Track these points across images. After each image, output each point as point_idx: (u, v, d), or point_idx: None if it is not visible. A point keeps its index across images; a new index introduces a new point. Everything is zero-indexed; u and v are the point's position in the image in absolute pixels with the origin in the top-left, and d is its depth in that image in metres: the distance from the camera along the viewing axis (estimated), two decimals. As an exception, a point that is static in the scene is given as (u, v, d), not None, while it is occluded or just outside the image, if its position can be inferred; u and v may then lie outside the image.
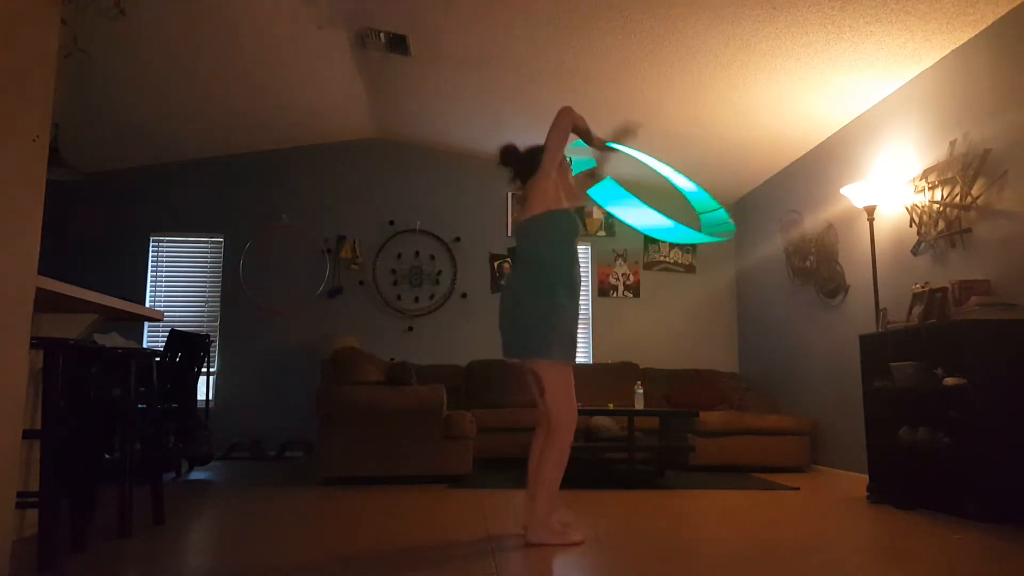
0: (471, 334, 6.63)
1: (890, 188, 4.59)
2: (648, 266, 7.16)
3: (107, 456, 3.16)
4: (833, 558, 2.60)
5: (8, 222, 2.14)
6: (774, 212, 6.44)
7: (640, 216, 3.48)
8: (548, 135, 2.91)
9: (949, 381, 3.55)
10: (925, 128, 4.38)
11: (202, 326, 6.64)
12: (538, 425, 2.96)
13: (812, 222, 5.76)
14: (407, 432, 4.56)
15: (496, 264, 6.91)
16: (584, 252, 7.11)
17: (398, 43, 4.94)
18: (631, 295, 7.11)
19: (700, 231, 3.48)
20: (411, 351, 6.61)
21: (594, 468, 5.14)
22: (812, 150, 5.80)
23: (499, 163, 3.07)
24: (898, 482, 3.94)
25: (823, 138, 5.59)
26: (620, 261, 7.14)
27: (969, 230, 3.97)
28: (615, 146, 3.15)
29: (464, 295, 6.84)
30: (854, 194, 4.61)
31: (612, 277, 7.11)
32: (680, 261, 7.21)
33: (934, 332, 3.77)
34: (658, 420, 5.16)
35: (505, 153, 3.07)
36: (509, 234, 6.89)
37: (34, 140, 2.26)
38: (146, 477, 3.09)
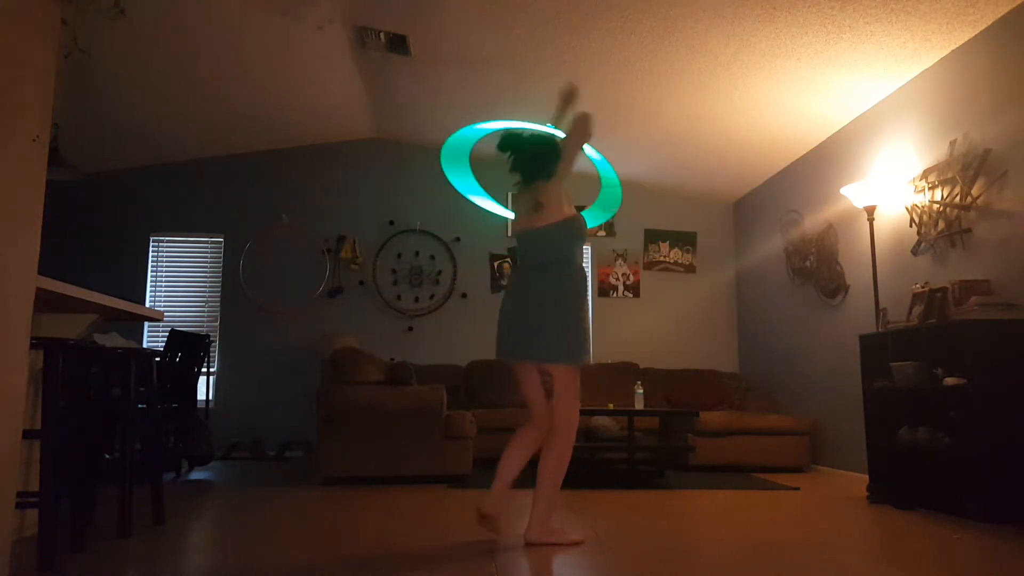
0: (471, 334, 6.62)
1: (890, 188, 4.59)
2: (648, 266, 7.16)
3: (107, 456, 3.17)
4: (833, 558, 2.60)
5: (8, 222, 2.14)
6: (774, 212, 6.44)
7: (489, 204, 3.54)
8: (568, 142, 2.85)
9: (949, 381, 3.55)
10: (925, 128, 4.38)
11: (202, 326, 6.64)
12: (530, 426, 2.89)
13: (812, 222, 5.76)
14: (407, 432, 4.56)
15: (496, 264, 6.91)
16: (584, 252, 7.10)
17: (398, 43, 4.94)
18: (631, 295, 7.11)
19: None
20: (411, 351, 6.60)
21: (594, 468, 5.13)
22: (812, 150, 5.80)
23: (499, 148, 2.94)
24: (898, 482, 3.94)
25: (823, 138, 5.59)
26: (620, 261, 7.14)
27: (969, 230, 3.97)
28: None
29: (464, 295, 6.84)
30: (854, 194, 4.61)
31: (612, 277, 7.11)
32: (680, 261, 7.21)
33: (934, 332, 3.77)
34: (658, 420, 5.16)
35: (511, 142, 2.94)
36: (510, 234, 6.89)
37: (34, 140, 2.26)
38: (146, 477, 3.09)
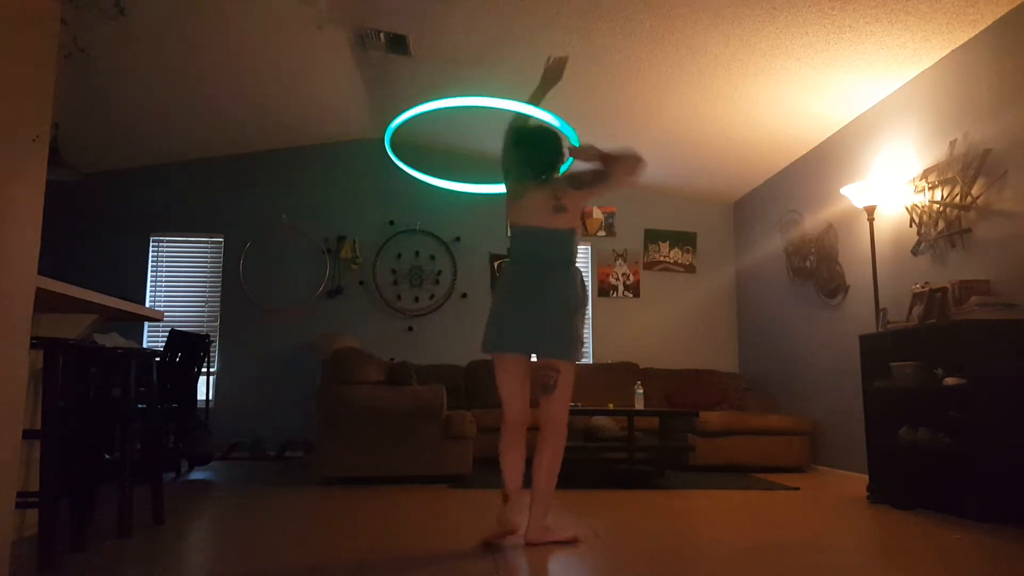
0: (471, 334, 6.62)
1: (890, 188, 4.59)
2: (648, 266, 7.16)
3: (107, 456, 3.16)
4: (833, 558, 2.60)
5: (8, 222, 2.14)
6: (774, 212, 6.44)
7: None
8: (616, 173, 2.79)
9: (949, 381, 3.55)
10: (925, 128, 4.38)
11: (202, 326, 6.64)
12: (511, 425, 2.85)
13: (812, 222, 5.76)
14: (407, 432, 4.56)
15: (496, 264, 6.91)
16: (584, 252, 7.11)
17: (398, 43, 4.94)
18: (631, 295, 7.11)
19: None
20: (411, 351, 6.61)
21: (594, 468, 5.14)
22: (812, 150, 5.80)
23: (516, 143, 2.94)
24: (898, 482, 3.94)
25: (823, 138, 5.59)
26: (620, 261, 7.14)
27: (969, 230, 3.97)
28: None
29: (464, 295, 6.84)
30: (854, 194, 4.61)
31: (612, 277, 7.11)
32: (680, 261, 7.21)
33: (934, 332, 3.77)
34: (658, 420, 5.16)
35: (529, 138, 2.94)
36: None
37: (34, 140, 2.26)
38: (146, 477, 3.09)
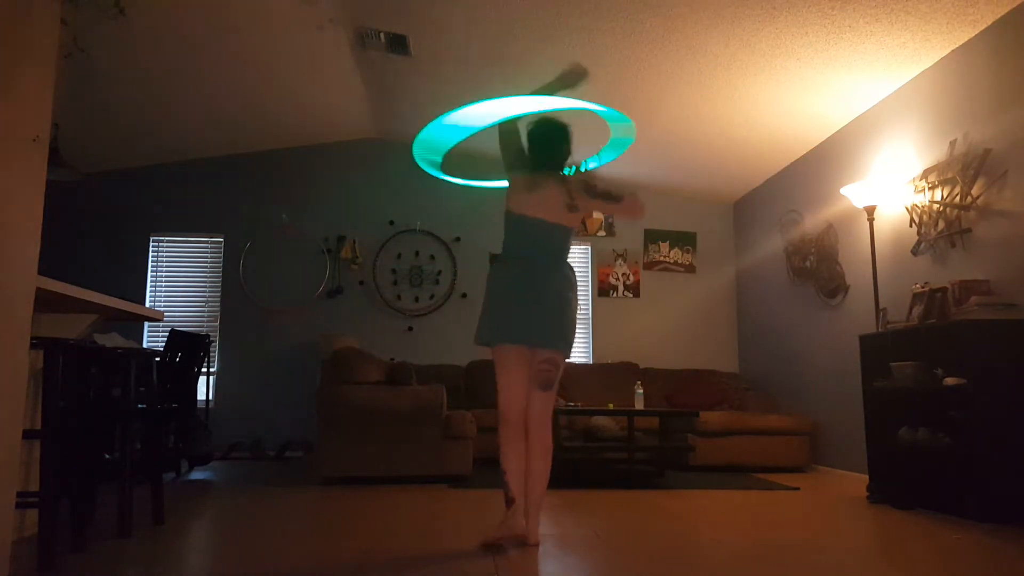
0: (471, 334, 6.59)
1: (890, 188, 4.59)
2: (648, 266, 7.16)
3: (107, 456, 3.16)
4: (833, 558, 2.60)
5: (8, 222, 2.14)
6: (774, 212, 6.44)
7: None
8: (616, 212, 2.95)
9: (949, 381, 3.55)
10: (925, 128, 4.38)
11: (202, 326, 6.64)
12: (510, 422, 2.80)
13: (812, 222, 5.76)
14: (407, 432, 4.56)
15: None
16: (584, 252, 7.11)
17: (398, 43, 4.94)
18: (631, 295, 7.11)
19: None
20: (411, 351, 6.60)
21: (594, 468, 5.13)
22: (812, 150, 5.80)
23: (537, 138, 3.00)
24: (898, 482, 3.94)
25: (823, 138, 5.59)
26: (620, 261, 7.14)
27: (969, 230, 3.97)
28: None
29: (464, 295, 6.84)
30: (854, 194, 4.61)
31: (612, 277, 7.11)
32: (680, 261, 7.21)
33: (934, 332, 3.77)
34: (658, 420, 5.16)
35: (570, 136, 3.01)
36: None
37: (34, 140, 2.26)
38: (146, 477, 3.09)
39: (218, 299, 6.68)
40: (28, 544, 2.54)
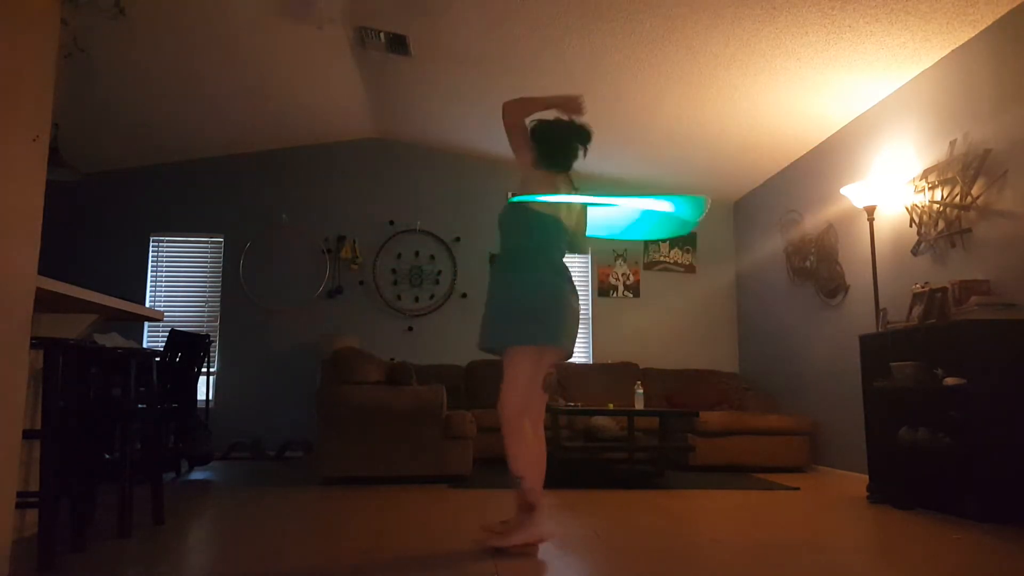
0: (471, 334, 6.58)
1: (890, 188, 4.59)
2: (648, 266, 7.16)
3: (107, 456, 3.16)
4: (833, 558, 2.60)
5: (8, 222, 2.14)
6: (774, 212, 6.44)
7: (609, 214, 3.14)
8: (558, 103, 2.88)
9: (949, 381, 3.55)
10: (925, 128, 4.38)
11: (202, 326, 6.64)
12: (526, 419, 2.77)
13: (812, 222, 5.76)
14: (407, 432, 4.56)
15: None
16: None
17: (398, 43, 4.94)
18: (631, 295, 7.11)
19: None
20: (411, 351, 6.61)
21: (594, 468, 5.13)
22: (812, 150, 5.80)
23: (578, 138, 2.93)
24: (898, 482, 3.94)
25: (823, 138, 5.59)
26: (620, 261, 7.14)
27: (969, 230, 3.97)
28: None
29: (464, 295, 6.84)
30: (854, 194, 4.61)
31: (612, 277, 7.11)
32: (680, 261, 7.21)
33: (934, 332, 3.77)
34: (658, 420, 5.16)
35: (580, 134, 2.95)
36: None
37: (34, 140, 2.26)
38: (146, 477, 3.09)
39: (218, 299, 6.68)
40: (28, 544, 2.55)
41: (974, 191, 3.92)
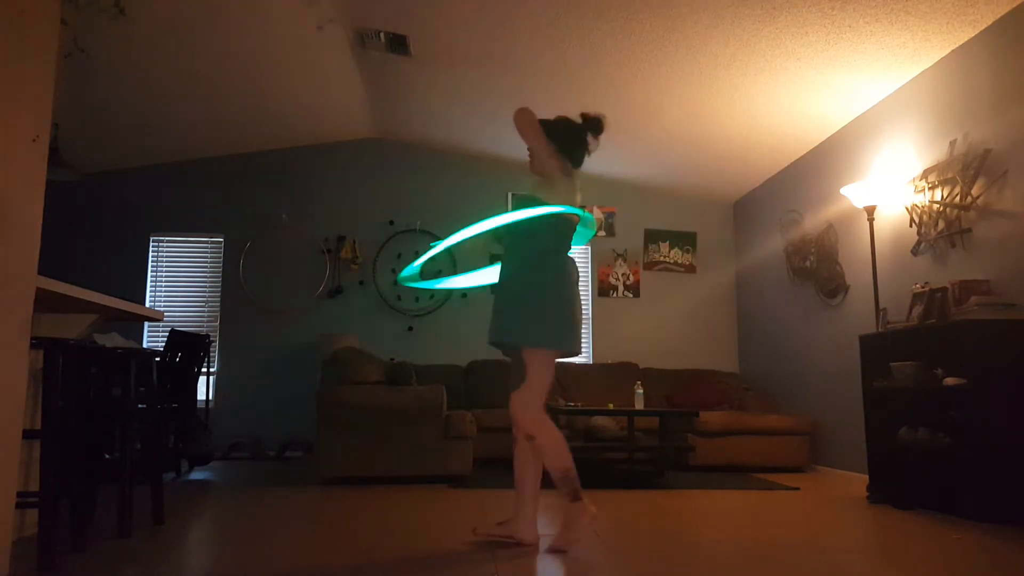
0: (471, 334, 6.62)
1: (890, 188, 4.59)
2: (648, 266, 7.15)
3: (107, 456, 3.16)
4: (833, 558, 2.60)
5: (8, 222, 2.14)
6: (774, 212, 6.44)
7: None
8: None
9: (949, 381, 3.55)
10: (925, 128, 4.38)
11: (202, 326, 6.64)
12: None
13: (812, 222, 5.76)
14: (407, 432, 4.56)
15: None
16: (584, 252, 7.11)
17: (398, 43, 4.94)
18: (631, 295, 7.11)
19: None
20: (411, 351, 6.61)
21: (594, 468, 5.13)
22: (812, 150, 5.80)
23: (595, 128, 2.92)
24: (898, 482, 3.94)
25: (823, 138, 5.59)
26: (620, 261, 7.14)
27: (969, 230, 3.97)
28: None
29: (464, 295, 6.84)
30: (854, 194, 4.61)
31: (612, 277, 7.11)
32: (680, 261, 7.21)
33: (934, 332, 3.77)
34: (658, 420, 5.16)
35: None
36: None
37: (34, 140, 2.26)
38: (146, 477, 3.09)
39: (218, 299, 6.68)
40: (28, 544, 2.55)
41: (974, 191, 3.92)
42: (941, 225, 4.18)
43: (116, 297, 2.86)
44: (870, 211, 4.56)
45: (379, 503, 3.78)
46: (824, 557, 2.60)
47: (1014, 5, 3.67)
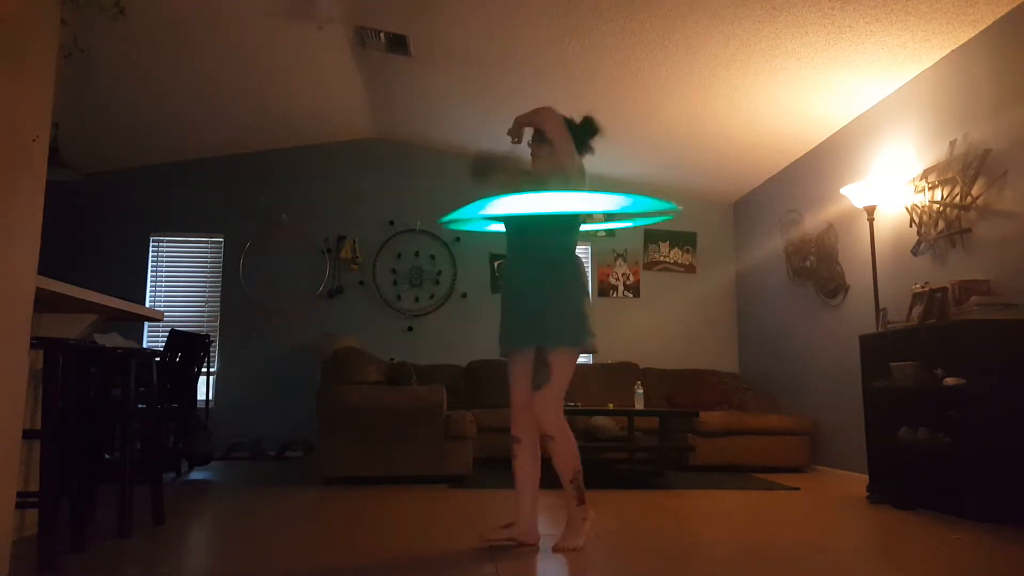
0: (471, 334, 6.62)
1: (890, 188, 4.59)
2: (648, 266, 7.16)
3: (107, 456, 3.16)
4: (833, 558, 2.60)
5: (8, 222, 2.14)
6: (774, 212, 6.44)
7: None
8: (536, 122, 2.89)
9: (949, 381, 3.55)
10: (925, 128, 4.38)
11: (202, 326, 6.64)
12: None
13: (812, 222, 5.76)
14: (407, 432, 4.56)
15: (496, 264, 6.91)
16: (584, 252, 7.12)
17: (398, 43, 4.94)
18: (631, 295, 7.11)
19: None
20: (411, 351, 6.60)
21: (594, 468, 5.13)
22: (812, 150, 5.80)
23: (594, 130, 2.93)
24: (898, 482, 3.94)
25: (823, 138, 5.59)
26: (620, 261, 7.14)
27: (969, 230, 3.97)
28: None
29: (464, 295, 6.84)
30: (854, 194, 4.61)
31: (612, 277, 7.11)
32: (680, 261, 7.21)
33: (934, 332, 3.76)
34: (658, 420, 5.16)
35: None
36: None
37: (34, 140, 2.26)
38: (146, 477, 3.09)
39: (218, 299, 6.68)
40: (28, 544, 2.55)
41: (974, 191, 3.92)
42: (941, 225, 4.18)
43: (116, 297, 2.86)
44: (870, 211, 4.56)
45: (379, 503, 3.78)
46: (824, 557, 2.60)
47: (1014, 5, 3.67)
